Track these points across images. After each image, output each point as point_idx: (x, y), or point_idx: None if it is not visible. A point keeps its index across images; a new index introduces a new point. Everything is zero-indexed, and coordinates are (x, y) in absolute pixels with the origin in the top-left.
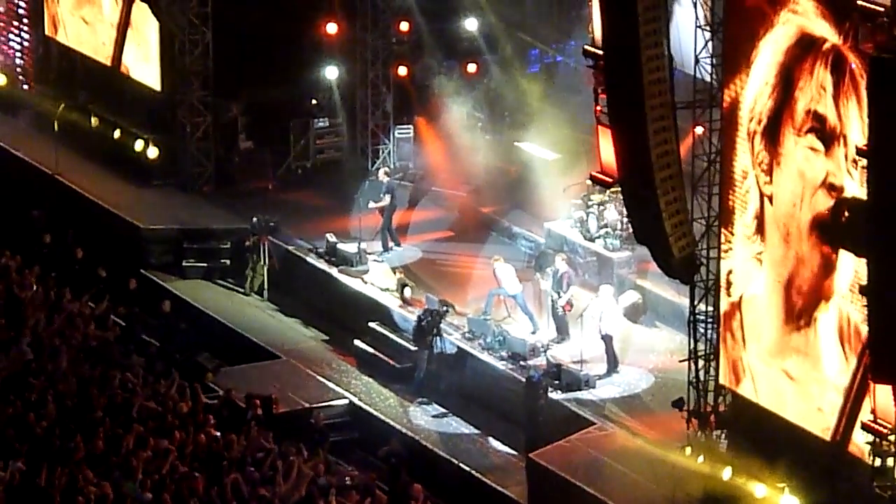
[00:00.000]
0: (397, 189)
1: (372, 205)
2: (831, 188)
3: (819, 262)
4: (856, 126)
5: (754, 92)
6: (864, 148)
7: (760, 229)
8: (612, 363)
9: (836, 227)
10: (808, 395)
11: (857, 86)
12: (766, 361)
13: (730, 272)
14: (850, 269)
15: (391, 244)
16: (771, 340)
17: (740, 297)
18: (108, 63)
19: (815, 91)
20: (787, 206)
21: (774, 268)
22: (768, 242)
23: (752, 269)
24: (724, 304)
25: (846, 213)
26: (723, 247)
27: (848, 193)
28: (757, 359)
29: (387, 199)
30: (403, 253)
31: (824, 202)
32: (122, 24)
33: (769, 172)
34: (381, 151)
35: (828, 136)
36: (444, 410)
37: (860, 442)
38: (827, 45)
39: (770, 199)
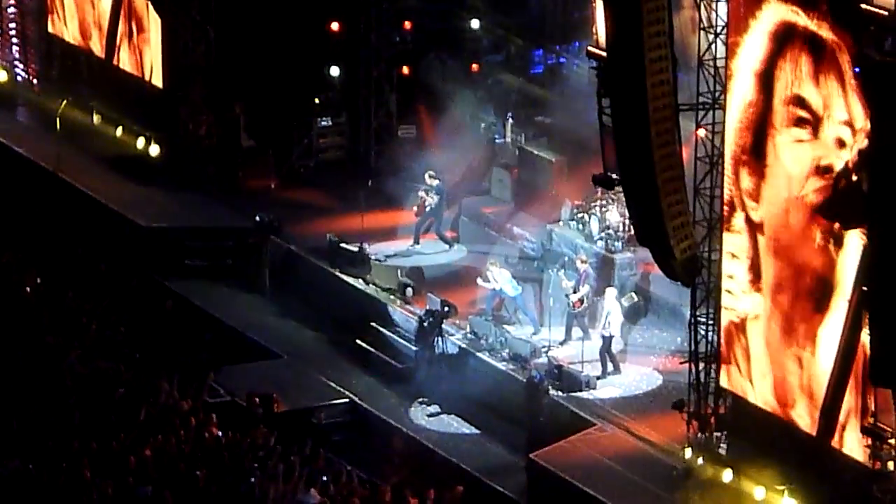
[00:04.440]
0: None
1: (421, 194)
2: (822, 171)
3: (817, 252)
4: (837, 103)
5: (735, 119)
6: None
7: (755, 267)
8: (615, 365)
9: (831, 206)
10: (806, 394)
11: (838, 62)
12: (767, 359)
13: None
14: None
15: (423, 241)
16: (772, 346)
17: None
18: (103, 55)
19: (791, 76)
20: (778, 216)
21: (772, 280)
22: (764, 268)
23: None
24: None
25: (838, 189)
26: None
27: (839, 172)
28: (757, 361)
29: (435, 199)
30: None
31: (816, 189)
32: (116, 14)
33: (756, 196)
34: (383, 151)
35: (812, 119)
36: (444, 411)
37: (860, 444)
38: (801, 28)
39: (761, 226)
